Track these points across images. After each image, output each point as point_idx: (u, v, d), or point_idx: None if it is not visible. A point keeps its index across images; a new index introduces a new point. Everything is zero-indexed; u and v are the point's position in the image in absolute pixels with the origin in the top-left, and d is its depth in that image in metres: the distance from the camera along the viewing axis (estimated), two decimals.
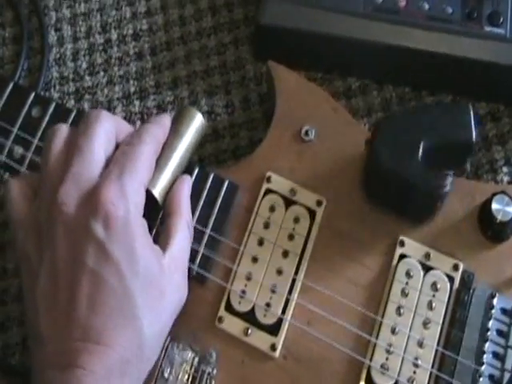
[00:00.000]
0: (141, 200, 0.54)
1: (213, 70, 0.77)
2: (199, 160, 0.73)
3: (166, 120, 0.60)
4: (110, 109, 0.76)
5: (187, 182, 0.60)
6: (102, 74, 0.78)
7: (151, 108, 0.76)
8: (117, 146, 0.57)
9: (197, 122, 0.62)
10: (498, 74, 0.74)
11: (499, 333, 0.61)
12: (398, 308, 0.61)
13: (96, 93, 0.77)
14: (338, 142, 0.67)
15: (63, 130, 0.56)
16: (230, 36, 0.79)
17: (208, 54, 0.78)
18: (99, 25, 0.80)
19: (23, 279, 0.54)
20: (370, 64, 0.76)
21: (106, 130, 0.56)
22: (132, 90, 0.77)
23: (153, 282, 0.53)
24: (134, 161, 0.55)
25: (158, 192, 0.58)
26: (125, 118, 0.75)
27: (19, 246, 0.54)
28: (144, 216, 0.55)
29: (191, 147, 0.62)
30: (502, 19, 0.74)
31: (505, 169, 0.72)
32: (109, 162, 0.55)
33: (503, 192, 0.64)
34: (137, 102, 0.76)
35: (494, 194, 0.64)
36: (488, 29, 0.74)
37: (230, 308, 0.61)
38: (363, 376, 0.60)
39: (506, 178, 0.72)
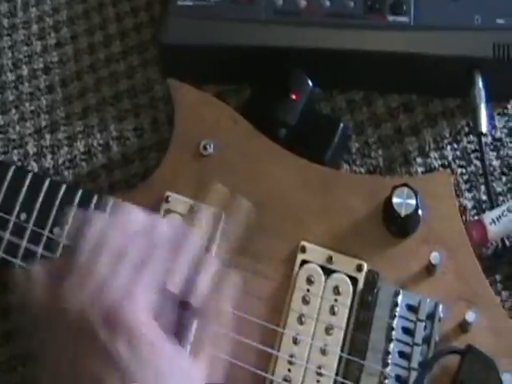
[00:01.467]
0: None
1: (122, 95, 0.77)
2: (109, 186, 0.72)
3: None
4: (22, 145, 0.76)
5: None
6: (13, 111, 0.78)
7: (62, 140, 0.76)
8: None
9: None
10: (406, 63, 0.72)
11: (405, 331, 0.59)
12: (300, 317, 0.59)
13: (8, 131, 0.77)
14: (238, 153, 0.66)
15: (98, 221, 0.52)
16: (139, 58, 0.79)
17: (117, 78, 0.78)
18: (11, 62, 0.80)
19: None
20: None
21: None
22: (43, 124, 0.77)
23: None
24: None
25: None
26: (36, 153, 0.75)
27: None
28: None
29: None
30: (404, 7, 0.73)
31: (419, 160, 0.70)
32: None
33: (404, 184, 0.61)
34: (48, 136, 0.76)
35: (395, 188, 0.61)
36: (391, 18, 0.73)
37: None
38: None
39: (420, 169, 0.70)
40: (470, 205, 0.69)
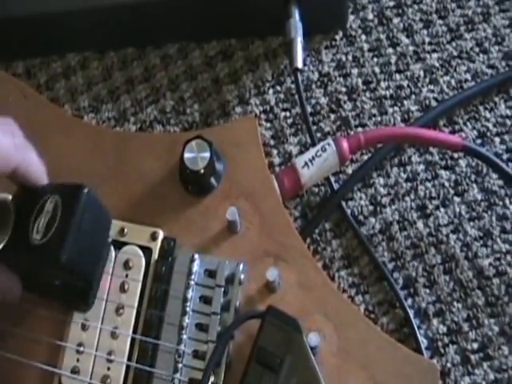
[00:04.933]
0: None
1: None
2: None
3: None
4: None
5: None
6: None
7: None
8: None
9: None
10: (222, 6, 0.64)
11: (203, 300, 0.52)
12: None
13: None
14: (28, 126, 0.59)
15: None
16: None
17: None
18: None
19: None
20: (83, 34, 0.68)
21: None
22: None
23: None
24: None
25: None
26: None
27: None
28: None
29: None
30: None
31: (238, 109, 0.63)
32: None
33: (197, 137, 0.55)
34: None
35: (186, 143, 0.55)
36: None
37: None
38: None
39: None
40: (295, 150, 0.61)
